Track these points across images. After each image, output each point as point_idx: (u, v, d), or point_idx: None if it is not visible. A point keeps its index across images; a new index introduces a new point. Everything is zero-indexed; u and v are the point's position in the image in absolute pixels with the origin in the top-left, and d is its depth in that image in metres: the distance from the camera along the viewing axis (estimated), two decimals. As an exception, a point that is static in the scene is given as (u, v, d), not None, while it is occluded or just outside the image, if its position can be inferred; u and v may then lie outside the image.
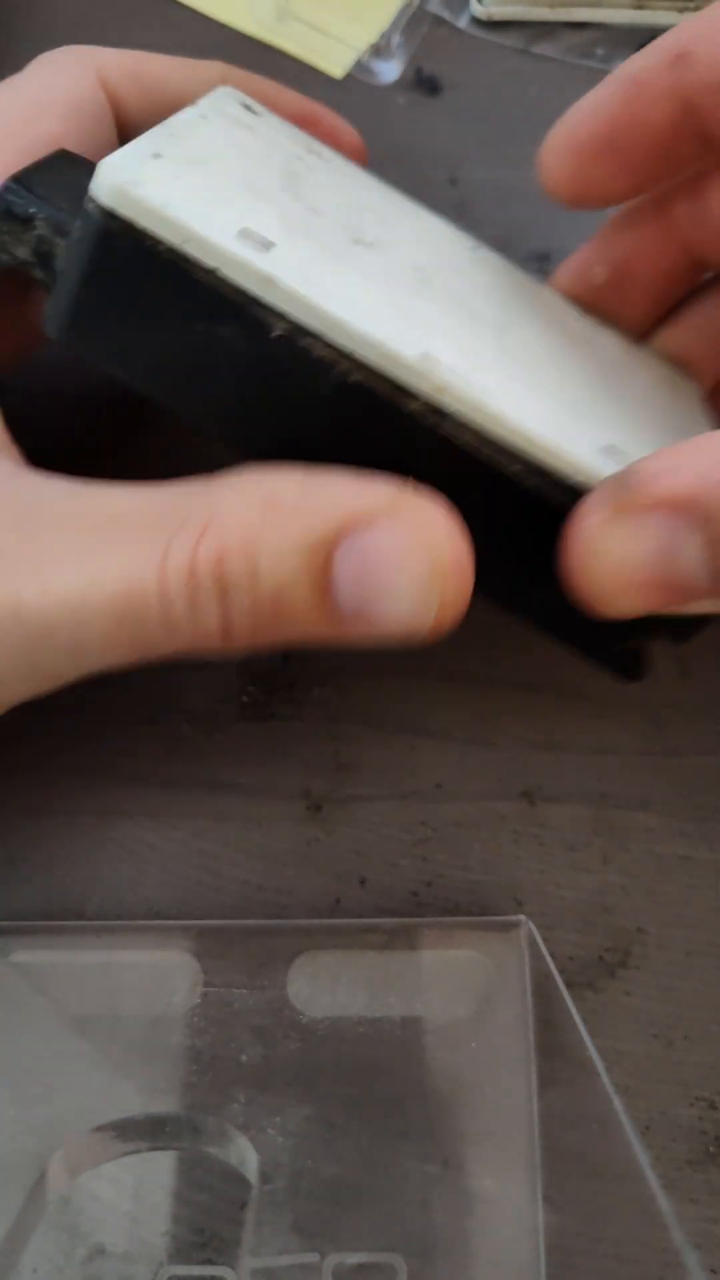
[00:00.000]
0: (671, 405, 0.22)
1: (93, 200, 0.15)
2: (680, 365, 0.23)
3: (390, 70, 0.32)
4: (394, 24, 0.32)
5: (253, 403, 0.17)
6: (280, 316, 0.16)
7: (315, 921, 0.22)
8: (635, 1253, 0.20)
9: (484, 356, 0.18)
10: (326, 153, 0.21)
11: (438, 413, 0.16)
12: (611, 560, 0.16)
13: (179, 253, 0.15)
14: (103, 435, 0.19)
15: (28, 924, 0.21)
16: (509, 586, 0.18)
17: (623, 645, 0.20)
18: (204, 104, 0.19)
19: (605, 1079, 0.20)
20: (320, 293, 0.16)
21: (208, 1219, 0.19)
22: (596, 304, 0.23)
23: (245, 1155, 0.19)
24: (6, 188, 0.17)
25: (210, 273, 0.15)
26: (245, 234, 0.16)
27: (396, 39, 0.32)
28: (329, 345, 0.16)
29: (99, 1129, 0.20)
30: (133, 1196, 0.19)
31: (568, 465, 0.17)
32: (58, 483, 0.18)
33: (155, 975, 0.21)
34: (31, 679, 0.18)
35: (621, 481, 0.16)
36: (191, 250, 0.15)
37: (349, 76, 0.32)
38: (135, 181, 0.15)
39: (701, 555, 0.15)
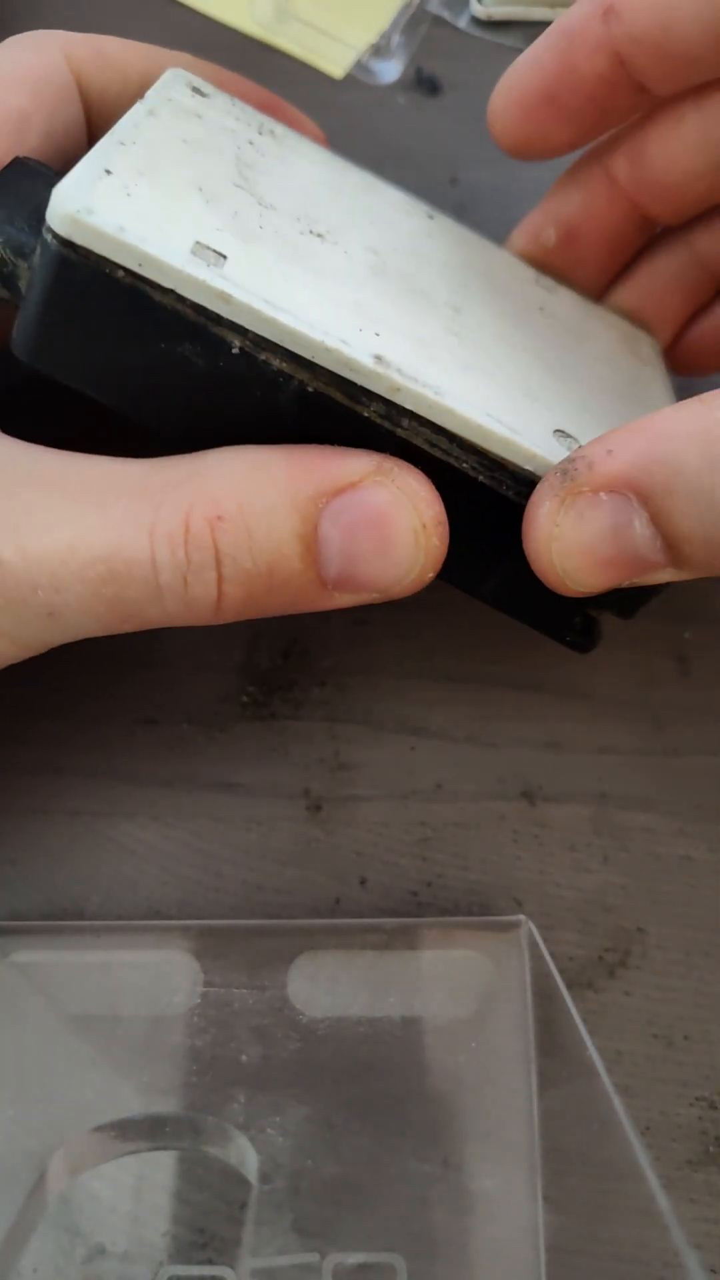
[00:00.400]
0: (628, 368, 0.22)
1: (49, 229, 0.16)
2: (638, 321, 0.24)
3: (390, 70, 0.32)
4: (394, 24, 0.32)
5: (217, 414, 0.17)
6: (239, 332, 0.16)
7: (315, 921, 0.22)
8: (635, 1252, 0.20)
9: (436, 347, 0.18)
10: (279, 129, 0.21)
11: (393, 418, 0.17)
12: (565, 544, 0.17)
13: (137, 275, 0.16)
14: (84, 418, 0.19)
15: (28, 924, 0.21)
16: (466, 569, 0.19)
17: (573, 619, 0.20)
18: (152, 95, 0.19)
19: (605, 1079, 0.20)
20: (273, 304, 0.16)
21: (208, 1219, 0.19)
22: (550, 265, 0.23)
23: (245, 1155, 0.19)
24: None
25: (168, 293, 0.16)
26: (198, 250, 0.16)
27: (396, 39, 0.32)
28: (287, 358, 0.16)
29: (99, 1129, 0.20)
30: (133, 1196, 0.19)
31: (519, 455, 0.17)
32: (33, 449, 0.18)
33: (155, 975, 0.21)
34: (8, 641, 0.18)
35: (566, 469, 0.16)
36: (148, 273, 0.16)
37: (349, 77, 0.32)
38: (88, 209, 0.16)
39: (648, 531, 0.16)
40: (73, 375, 0.17)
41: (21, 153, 0.20)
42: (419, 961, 0.21)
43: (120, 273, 0.16)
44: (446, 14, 0.33)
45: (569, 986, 0.21)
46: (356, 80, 0.32)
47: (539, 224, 0.23)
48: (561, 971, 0.21)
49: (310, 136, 0.23)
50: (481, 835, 0.23)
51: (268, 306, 0.16)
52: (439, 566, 0.17)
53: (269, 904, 0.22)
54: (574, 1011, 0.21)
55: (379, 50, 0.32)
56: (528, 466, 0.17)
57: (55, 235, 0.16)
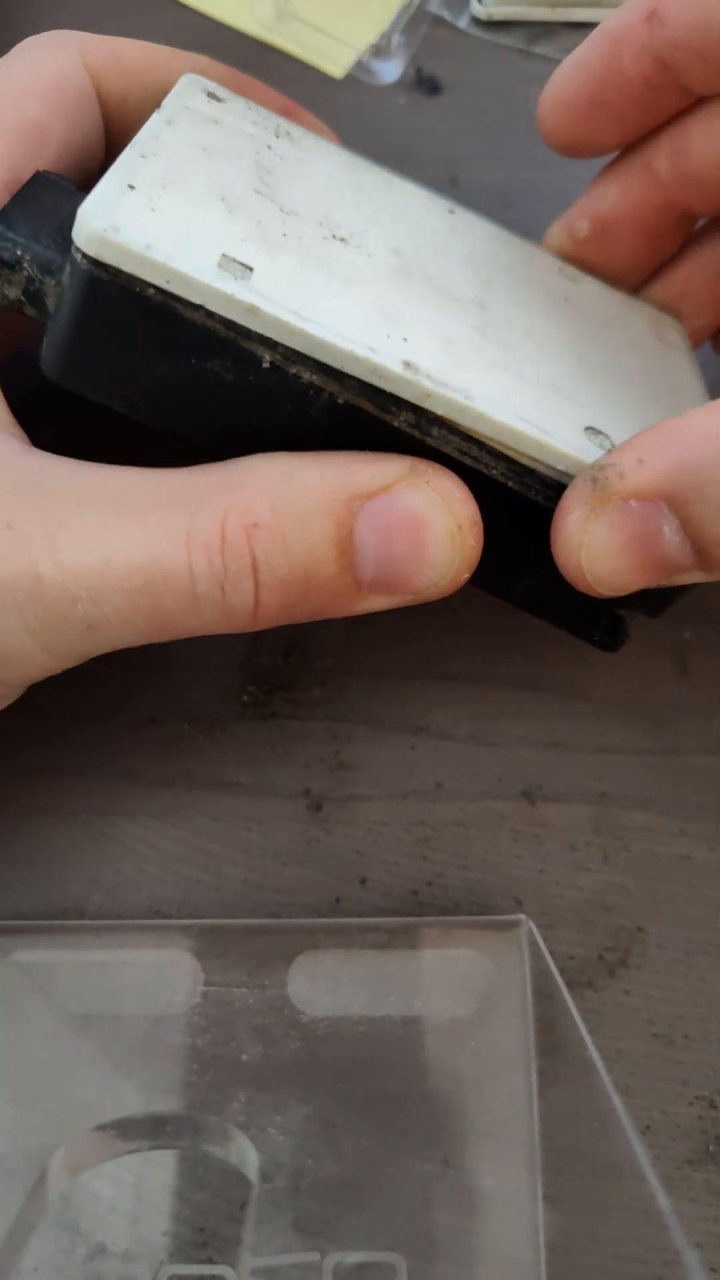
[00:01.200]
0: (656, 355, 0.22)
1: (78, 249, 0.16)
2: (671, 313, 0.24)
3: (390, 70, 0.32)
4: (394, 24, 0.32)
5: (247, 426, 0.17)
6: (269, 345, 0.16)
7: (315, 921, 0.22)
8: (635, 1252, 0.20)
9: (464, 348, 0.18)
10: (295, 131, 0.21)
11: (422, 426, 0.17)
12: (594, 551, 0.17)
13: (166, 292, 0.16)
14: (105, 426, 0.19)
15: (28, 923, 0.21)
16: (497, 573, 0.19)
17: (601, 620, 0.21)
18: (169, 103, 0.19)
19: (605, 1078, 0.20)
20: (301, 315, 0.16)
21: (208, 1218, 0.19)
22: (583, 259, 0.23)
23: (246, 1154, 0.19)
24: None
25: (198, 309, 0.16)
26: (225, 263, 0.16)
27: (396, 39, 0.32)
28: (317, 370, 0.16)
29: (100, 1128, 0.20)
30: (133, 1195, 0.19)
31: (551, 456, 0.17)
32: (65, 461, 0.18)
33: (156, 974, 0.21)
34: (46, 654, 0.18)
35: (596, 477, 0.17)
36: (176, 289, 0.16)
37: (349, 76, 0.32)
38: (114, 227, 0.16)
39: (678, 537, 0.16)
40: (102, 392, 0.17)
41: (40, 162, 0.20)
42: (419, 961, 0.21)
43: (151, 291, 0.16)
44: (447, 14, 0.33)
45: (569, 986, 0.21)
46: (357, 80, 0.32)
47: (573, 218, 0.23)
48: (561, 971, 0.21)
49: (330, 139, 0.23)
50: (481, 835, 0.23)
51: (296, 318, 0.16)
52: (474, 567, 0.17)
53: (269, 903, 0.22)
54: (574, 1011, 0.21)
55: (379, 50, 0.32)
56: (560, 467, 0.17)
57: (84, 255, 0.16)
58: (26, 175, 0.19)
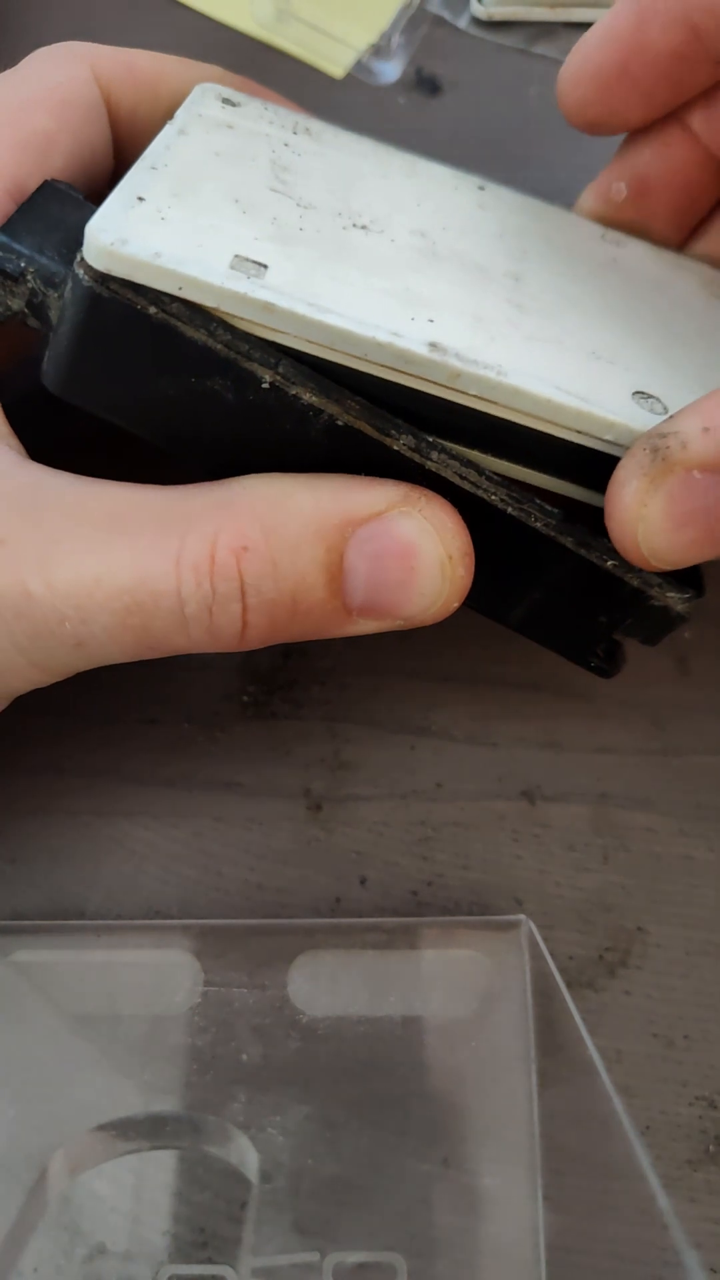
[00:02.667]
0: (711, 314, 0.21)
1: (83, 263, 0.16)
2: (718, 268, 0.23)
3: (390, 70, 0.32)
4: (394, 24, 0.32)
5: (245, 444, 0.17)
6: (269, 366, 0.16)
7: (316, 921, 0.22)
8: (635, 1252, 0.20)
9: (497, 323, 0.18)
10: (315, 125, 0.21)
11: (422, 450, 0.17)
12: (653, 524, 0.16)
13: (167, 311, 0.16)
14: (102, 436, 0.19)
15: (28, 923, 0.21)
16: (493, 598, 0.19)
17: (598, 646, 0.20)
18: (182, 114, 0.19)
19: (605, 1078, 0.20)
20: (319, 306, 0.16)
21: (208, 1218, 0.19)
22: (621, 222, 0.22)
23: (245, 1154, 0.19)
24: None
25: (200, 329, 0.16)
26: (238, 263, 0.16)
27: (397, 39, 0.32)
28: (317, 392, 0.16)
29: (100, 1128, 0.20)
30: (133, 1195, 0.19)
31: (596, 426, 0.17)
32: (60, 475, 0.18)
33: (156, 974, 0.21)
34: (34, 669, 0.18)
35: (656, 445, 0.16)
36: (189, 294, 0.16)
37: (349, 77, 0.32)
38: (122, 239, 0.16)
39: None
40: (102, 407, 0.17)
41: (46, 174, 0.19)
42: (419, 961, 0.21)
43: (151, 309, 0.16)
44: (447, 14, 0.33)
45: (569, 986, 0.21)
46: (357, 80, 0.32)
47: (608, 181, 0.22)
48: (561, 971, 0.21)
49: None
50: (482, 835, 0.23)
51: (313, 310, 0.16)
52: (464, 596, 0.17)
53: (269, 903, 0.22)
54: (574, 1011, 0.21)
55: (379, 50, 0.32)
56: (607, 437, 0.17)
57: (87, 270, 0.16)
58: (33, 186, 0.19)
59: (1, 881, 0.22)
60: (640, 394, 0.18)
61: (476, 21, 0.33)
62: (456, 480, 0.17)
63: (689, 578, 0.19)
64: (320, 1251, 0.19)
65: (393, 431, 0.17)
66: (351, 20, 0.32)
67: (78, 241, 0.17)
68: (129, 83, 0.21)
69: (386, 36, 0.32)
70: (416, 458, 0.17)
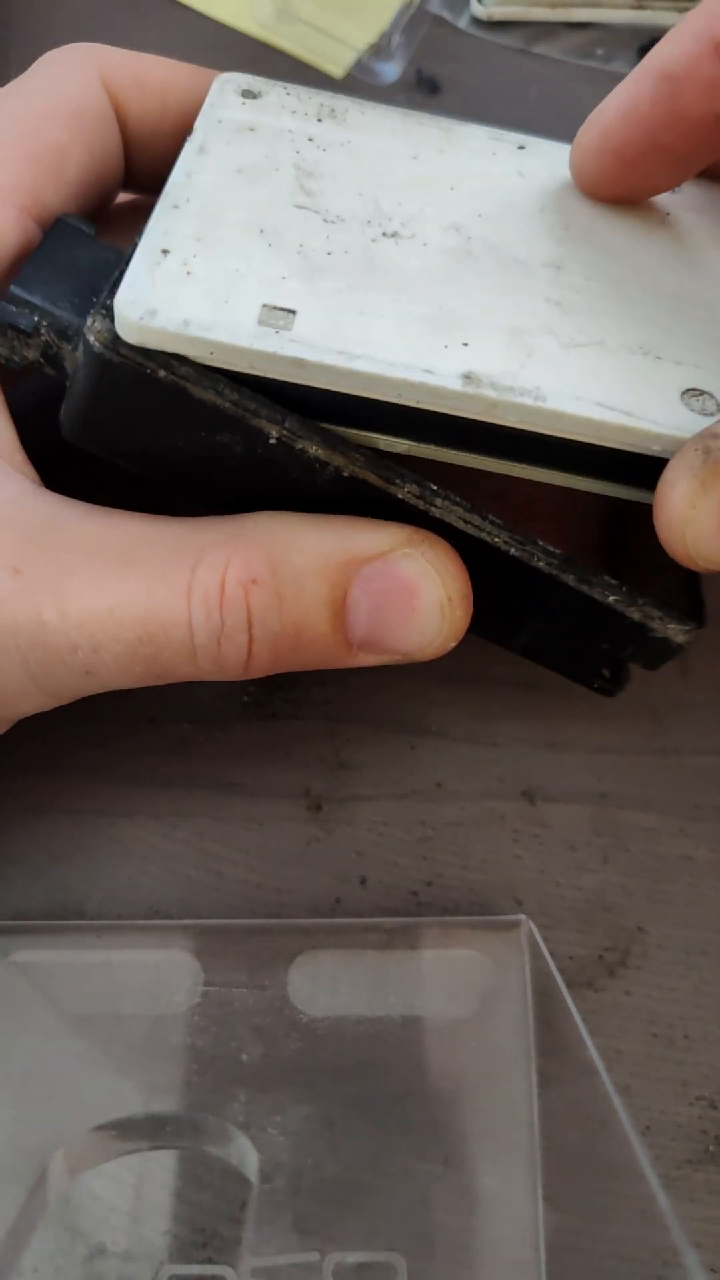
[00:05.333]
0: None
1: (92, 327, 0.16)
2: None
3: (390, 70, 0.32)
4: (394, 24, 0.32)
5: (254, 490, 0.18)
6: (276, 421, 0.16)
7: (316, 921, 0.22)
8: (635, 1252, 0.20)
9: (535, 333, 0.17)
10: (340, 104, 0.20)
11: (426, 498, 0.17)
12: (702, 528, 0.16)
13: (176, 374, 0.16)
14: (115, 466, 0.19)
15: (28, 923, 0.21)
16: (498, 626, 0.20)
17: (602, 669, 0.21)
18: (201, 124, 0.19)
19: (605, 1078, 0.20)
20: (349, 353, 0.16)
21: (208, 1218, 0.19)
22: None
23: (245, 1154, 0.19)
24: (10, 298, 0.18)
25: (208, 389, 0.16)
26: (266, 315, 0.16)
27: (397, 39, 0.32)
28: (323, 445, 0.17)
29: (100, 1128, 0.20)
30: (133, 1195, 0.19)
31: (642, 440, 0.17)
32: (74, 505, 0.18)
33: (156, 974, 0.21)
34: (43, 695, 0.18)
35: (709, 448, 0.16)
36: (219, 361, 0.16)
37: (349, 77, 0.32)
38: (151, 311, 0.16)
39: None
40: (117, 456, 0.18)
41: (60, 187, 0.20)
42: (419, 961, 0.21)
43: (161, 373, 0.16)
44: (447, 14, 0.33)
45: (569, 986, 0.21)
46: (357, 80, 0.32)
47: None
48: (561, 971, 0.21)
49: None
50: (482, 835, 0.23)
51: (343, 358, 0.16)
52: (461, 636, 0.18)
53: (269, 903, 0.22)
54: (574, 1011, 0.21)
55: (379, 50, 0.32)
56: (655, 449, 0.17)
57: (97, 335, 0.16)
58: (48, 200, 0.19)
59: (1, 881, 0.22)
60: (691, 391, 0.17)
61: (476, 21, 0.33)
62: (461, 525, 0.17)
63: (691, 608, 0.19)
64: (320, 1251, 0.19)
65: (397, 480, 0.17)
66: (351, 20, 0.32)
67: (90, 289, 0.17)
68: (137, 92, 0.21)
69: (386, 36, 0.32)
70: (421, 504, 0.17)
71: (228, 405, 0.16)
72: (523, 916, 0.22)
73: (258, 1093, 0.20)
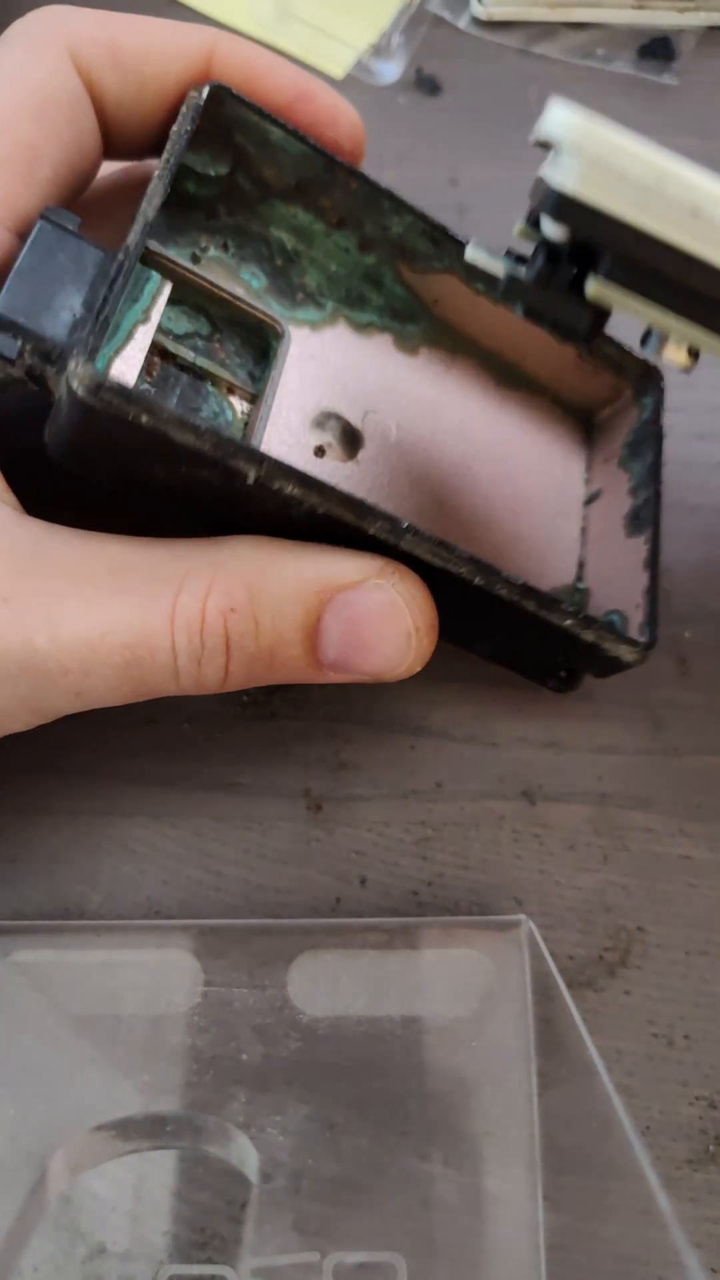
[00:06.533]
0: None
1: (75, 373, 0.16)
2: None
3: (390, 70, 0.32)
4: (394, 24, 0.32)
5: (233, 518, 0.18)
6: (255, 462, 0.17)
7: (316, 921, 0.22)
8: (635, 1251, 0.20)
9: None
10: None
11: (397, 533, 0.18)
12: None
13: (160, 419, 0.16)
14: (94, 489, 0.19)
15: (28, 923, 0.21)
16: (463, 636, 0.22)
17: (558, 672, 0.23)
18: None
19: (605, 1078, 0.20)
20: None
21: (208, 1218, 0.19)
22: None
23: (245, 1154, 0.19)
24: None
25: (188, 433, 0.17)
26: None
27: (397, 39, 0.32)
28: (299, 484, 0.17)
29: (100, 1128, 0.20)
30: (133, 1195, 0.19)
31: None
32: (57, 532, 0.18)
33: (156, 974, 0.21)
34: (31, 715, 0.19)
35: None
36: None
37: (349, 77, 0.32)
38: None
39: None
40: (100, 478, 0.18)
41: (35, 186, 0.19)
42: (419, 961, 0.21)
43: (144, 418, 0.16)
44: (447, 14, 0.33)
45: (569, 985, 0.21)
46: (357, 80, 0.32)
47: None
48: (561, 971, 0.21)
49: (348, 126, 0.22)
50: (481, 835, 0.23)
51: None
52: (427, 661, 0.19)
53: (269, 903, 0.22)
54: (574, 1010, 0.21)
55: (379, 50, 0.32)
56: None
57: (80, 381, 0.16)
58: (21, 205, 0.19)
59: (2, 881, 0.22)
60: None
61: (476, 21, 0.33)
62: (429, 558, 0.18)
63: (647, 622, 0.21)
64: (320, 1251, 0.19)
65: (369, 518, 0.18)
66: (352, 20, 0.32)
67: (78, 295, 0.18)
68: (113, 68, 0.20)
69: (387, 36, 0.32)
70: (391, 539, 0.18)
71: (207, 448, 0.17)
72: (523, 916, 0.22)
73: (258, 1092, 0.20)
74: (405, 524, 0.18)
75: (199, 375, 0.21)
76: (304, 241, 0.22)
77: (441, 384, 0.24)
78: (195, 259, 0.21)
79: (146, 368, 0.20)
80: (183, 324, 0.21)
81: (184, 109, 0.19)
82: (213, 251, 0.22)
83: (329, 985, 0.21)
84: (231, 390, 0.21)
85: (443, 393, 0.24)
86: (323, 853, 0.22)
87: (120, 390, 0.16)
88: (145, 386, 0.20)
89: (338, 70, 0.32)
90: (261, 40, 0.32)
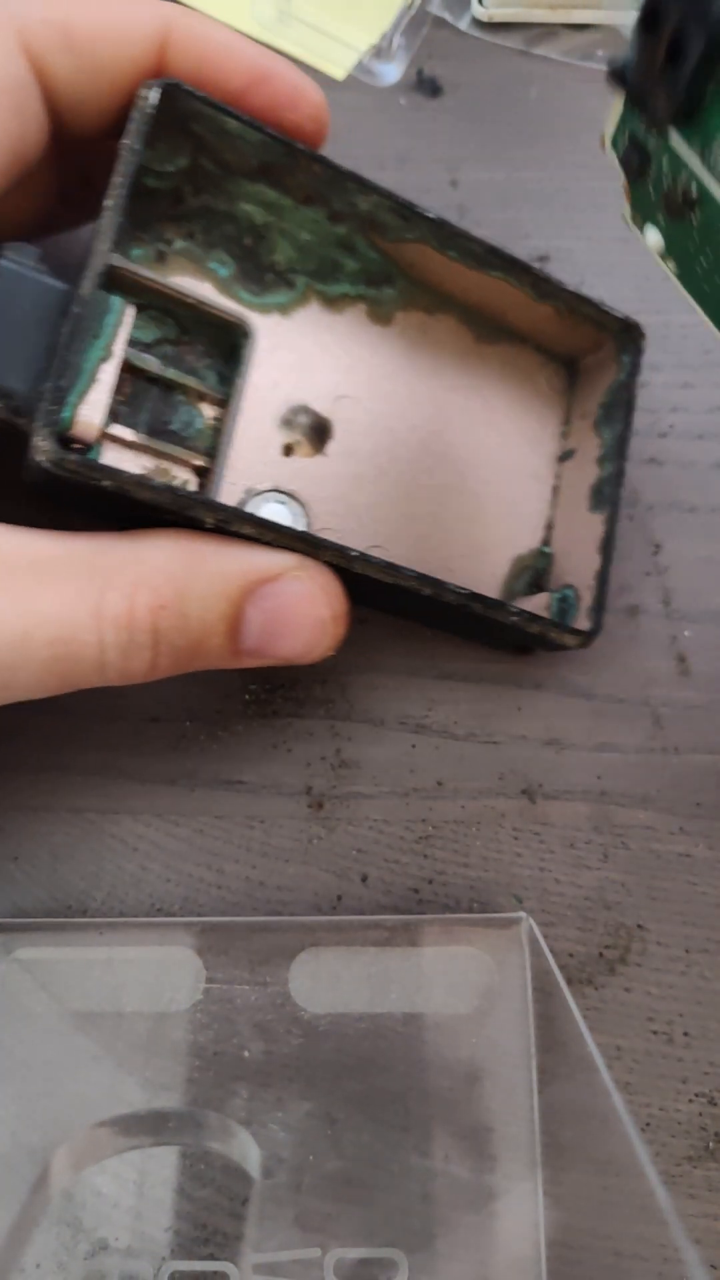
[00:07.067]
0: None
1: (39, 447, 0.17)
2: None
3: (391, 72, 0.32)
4: (395, 25, 0.32)
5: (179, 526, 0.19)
6: (212, 510, 0.18)
7: (317, 918, 0.22)
8: (635, 1248, 0.20)
9: None
10: None
11: (348, 559, 0.19)
12: None
13: (121, 481, 0.18)
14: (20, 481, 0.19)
15: (31, 920, 0.21)
16: (424, 620, 0.24)
17: (512, 647, 0.24)
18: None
19: (605, 1075, 0.20)
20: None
21: (210, 1214, 0.19)
22: None
23: (247, 1150, 0.20)
24: None
25: (150, 491, 0.18)
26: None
27: (397, 40, 0.32)
28: (256, 526, 0.19)
29: (102, 1124, 0.20)
30: (135, 1192, 0.19)
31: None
32: None
33: (158, 971, 0.21)
34: None
35: None
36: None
37: (350, 78, 0.32)
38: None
39: None
40: (73, 510, 0.19)
41: None
42: (420, 958, 0.21)
43: (106, 483, 0.17)
44: (448, 15, 0.33)
45: (569, 983, 0.21)
46: (357, 81, 0.32)
47: None
48: (562, 968, 0.21)
49: (311, 107, 0.21)
50: (482, 832, 0.23)
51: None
52: (339, 645, 0.20)
53: (271, 901, 0.22)
54: (574, 1008, 0.21)
55: (380, 51, 0.32)
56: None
57: (44, 454, 0.17)
58: None
59: (4, 879, 0.22)
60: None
61: (477, 23, 0.33)
62: (380, 577, 0.20)
63: (593, 613, 0.22)
64: (322, 1247, 0.19)
65: (322, 548, 0.19)
66: (352, 21, 0.32)
67: (42, 338, 0.18)
68: (64, 50, 0.19)
69: (387, 38, 0.32)
70: (343, 563, 0.19)
71: (166, 501, 0.18)
72: (523, 914, 0.22)
73: (259, 1089, 0.20)
74: (355, 552, 0.19)
75: (169, 386, 0.21)
76: (274, 214, 0.22)
77: (417, 351, 0.24)
78: (161, 256, 0.21)
79: (117, 388, 0.20)
80: (151, 331, 0.21)
81: (134, 114, 0.19)
82: (178, 244, 0.21)
83: (330, 982, 0.21)
84: (202, 397, 0.21)
85: (418, 360, 0.24)
86: (324, 850, 0.23)
87: (81, 463, 0.17)
88: (119, 405, 0.20)
89: (339, 71, 0.32)
90: (262, 41, 0.32)
